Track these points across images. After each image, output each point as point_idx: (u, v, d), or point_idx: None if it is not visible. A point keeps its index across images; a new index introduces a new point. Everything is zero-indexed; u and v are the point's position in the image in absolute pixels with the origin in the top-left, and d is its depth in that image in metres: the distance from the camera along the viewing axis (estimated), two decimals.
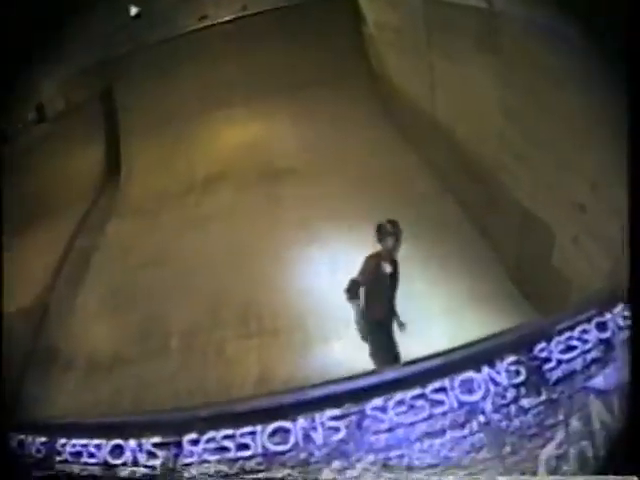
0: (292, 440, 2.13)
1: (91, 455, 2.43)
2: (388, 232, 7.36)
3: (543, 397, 2.15)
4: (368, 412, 2.11)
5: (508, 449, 2.08)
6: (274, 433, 2.16)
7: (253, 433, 2.18)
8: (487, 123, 8.40)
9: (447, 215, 9.91)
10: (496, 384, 2.13)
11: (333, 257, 9.28)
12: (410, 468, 2.06)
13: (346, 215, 10.04)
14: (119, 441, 2.39)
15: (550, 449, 2.11)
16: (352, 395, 2.16)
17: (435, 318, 7.79)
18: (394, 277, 7.56)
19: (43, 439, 2.56)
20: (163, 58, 15.52)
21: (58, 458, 2.50)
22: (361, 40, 15.26)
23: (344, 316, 7.51)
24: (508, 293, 8.02)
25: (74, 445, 2.46)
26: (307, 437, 2.10)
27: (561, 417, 2.15)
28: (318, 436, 2.10)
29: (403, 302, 7.63)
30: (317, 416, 2.12)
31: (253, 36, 15.14)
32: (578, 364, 2.23)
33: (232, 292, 9.25)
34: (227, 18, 15.78)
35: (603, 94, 5.44)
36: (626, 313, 2.40)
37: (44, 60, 15.36)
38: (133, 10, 16.69)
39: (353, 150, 12.51)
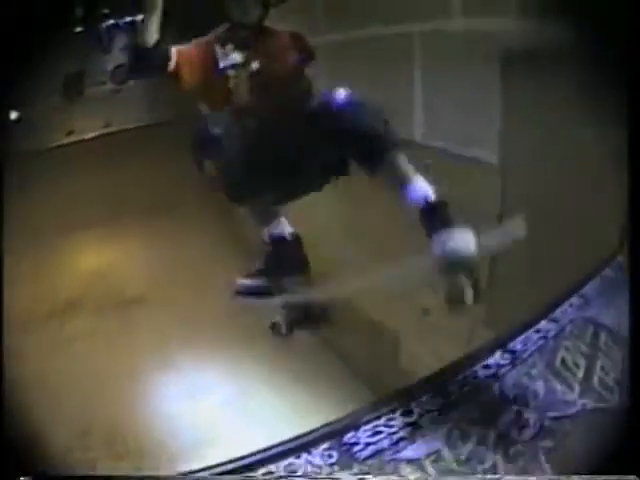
0: None
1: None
2: None
3: (355, 470, 2.63)
4: None
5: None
6: None
7: None
8: (331, 244, 9.00)
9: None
10: (313, 465, 2.61)
11: (191, 382, 9.75)
12: None
13: (199, 342, 10.45)
14: None
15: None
16: None
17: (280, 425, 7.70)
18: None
19: None
20: (32, 171, 15.39)
21: None
22: None
23: (205, 438, 8.09)
24: (364, 400, 8.19)
25: None
26: None
27: None
28: None
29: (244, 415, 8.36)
30: None
31: (113, 154, 15.79)
32: (385, 443, 2.74)
33: (99, 415, 9.44)
34: (91, 135, 16.39)
35: None
36: (434, 400, 2.94)
37: None
38: (13, 114, 16.77)
39: (203, 278, 12.86)
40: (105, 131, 16.98)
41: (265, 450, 2.78)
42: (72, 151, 16.31)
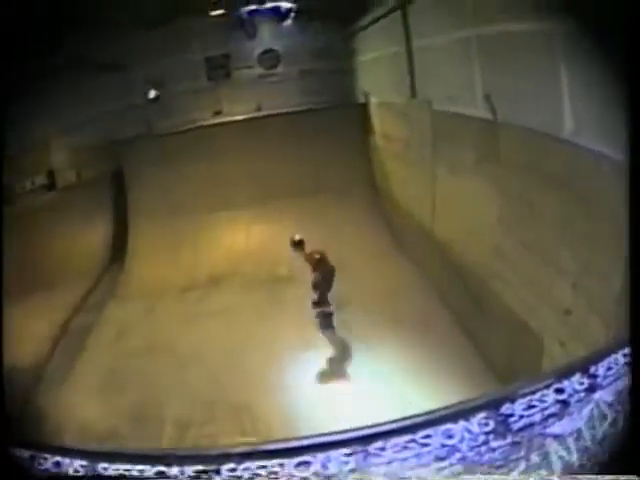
0: (312, 469, 2.79)
1: (134, 478, 2.86)
2: None
3: (508, 440, 2.85)
4: (371, 450, 2.80)
5: (480, 476, 2.79)
6: (299, 464, 2.81)
7: (282, 465, 2.82)
8: (483, 234, 9.17)
9: (439, 324, 10.75)
10: (470, 432, 2.84)
11: (330, 363, 10.07)
12: None
13: (343, 324, 11.09)
14: (162, 468, 2.85)
15: (514, 475, 2.81)
16: (359, 439, 2.84)
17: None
18: None
19: (84, 462, 2.94)
20: (175, 147, 16.66)
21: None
22: (367, 150, 16.72)
23: (339, 420, 7.77)
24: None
25: (117, 469, 2.87)
26: (324, 466, 2.77)
27: (522, 453, 2.83)
28: (333, 466, 2.77)
29: (395, 412, 8.16)
30: (332, 453, 2.80)
31: (264, 138, 16.36)
32: (537, 417, 2.95)
33: (227, 390, 9.81)
34: (241, 117, 17.16)
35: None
36: (582, 380, 3.12)
37: (56, 123, 16.31)
38: (152, 93, 17.80)
39: (353, 261, 13.63)
40: (256, 114, 17.62)
41: (426, 414, 2.98)
42: (219, 131, 16.96)
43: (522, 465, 2.90)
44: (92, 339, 12.65)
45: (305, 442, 2.85)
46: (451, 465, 2.82)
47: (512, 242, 8.26)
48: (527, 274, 7.84)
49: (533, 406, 2.95)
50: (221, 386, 9.92)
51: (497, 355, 9.05)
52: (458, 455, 2.84)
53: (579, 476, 2.85)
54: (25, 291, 13.70)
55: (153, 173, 16.56)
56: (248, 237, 16.07)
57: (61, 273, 14.54)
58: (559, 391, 3.01)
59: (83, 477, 2.80)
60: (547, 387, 3.04)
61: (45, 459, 2.96)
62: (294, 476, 2.63)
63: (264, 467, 2.86)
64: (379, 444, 2.84)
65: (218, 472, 2.89)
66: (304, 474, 2.80)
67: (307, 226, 15.05)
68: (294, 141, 16.13)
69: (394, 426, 2.85)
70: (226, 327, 11.88)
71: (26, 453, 3.02)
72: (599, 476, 2.91)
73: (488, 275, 9.05)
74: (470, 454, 2.84)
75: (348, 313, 11.26)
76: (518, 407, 2.97)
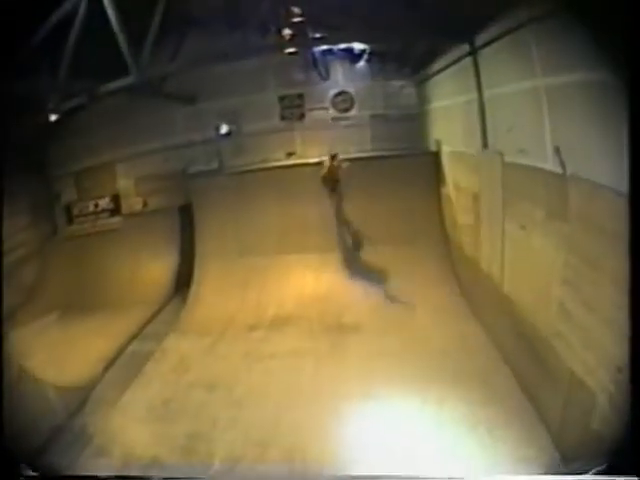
0: None
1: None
2: None
3: None
4: None
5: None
6: None
7: None
8: (549, 292, 9.08)
9: (498, 380, 10.67)
10: None
11: (388, 416, 9.94)
12: None
13: (404, 377, 11.05)
14: None
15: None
16: None
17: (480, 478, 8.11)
18: None
19: None
20: (247, 186, 17.03)
21: None
22: (438, 201, 16.63)
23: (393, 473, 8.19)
24: (550, 457, 8.35)
25: None
26: None
27: None
28: None
29: (450, 462, 8.43)
30: None
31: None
32: None
33: (282, 432, 9.91)
34: (314, 160, 17.14)
35: None
36: None
37: (124, 149, 16.82)
38: (224, 128, 18.52)
39: (419, 314, 14.01)
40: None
41: None
42: (292, 173, 17.19)
43: None
44: (149, 368, 13.01)
45: None
46: None
47: (575, 301, 8.25)
48: (587, 334, 7.82)
49: None
50: (276, 428, 10.04)
51: (551, 411, 9.03)
52: None
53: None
54: (78, 311, 14.17)
55: (223, 210, 17.02)
56: (317, 282, 16.23)
57: (120, 298, 15.00)
58: None
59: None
60: None
61: None
62: None
63: None
64: None
65: None
66: None
67: (373, 275, 15.68)
68: (365, 187, 16.40)
69: None
70: (287, 370, 12.08)
71: None
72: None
73: (550, 333, 9.01)
74: None
75: (407, 366, 11.37)
76: None
